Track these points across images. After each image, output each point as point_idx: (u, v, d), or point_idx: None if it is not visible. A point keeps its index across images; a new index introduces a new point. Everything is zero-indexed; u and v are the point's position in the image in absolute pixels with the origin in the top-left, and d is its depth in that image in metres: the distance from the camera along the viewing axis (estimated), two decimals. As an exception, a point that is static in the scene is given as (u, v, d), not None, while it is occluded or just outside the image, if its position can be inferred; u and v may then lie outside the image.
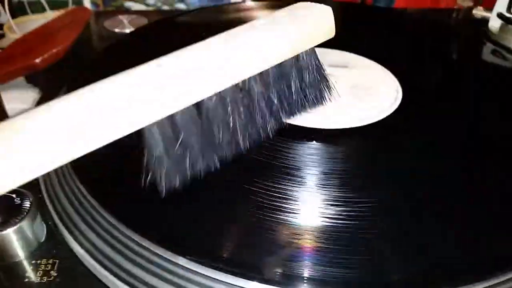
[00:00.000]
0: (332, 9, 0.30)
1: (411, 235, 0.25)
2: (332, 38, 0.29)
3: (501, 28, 0.51)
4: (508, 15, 0.50)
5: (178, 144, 0.24)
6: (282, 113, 0.30)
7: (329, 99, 0.33)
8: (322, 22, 0.29)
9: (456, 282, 0.22)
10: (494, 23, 0.52)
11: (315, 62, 0.30)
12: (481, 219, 0.26)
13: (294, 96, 0.30)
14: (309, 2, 0.30)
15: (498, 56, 0.47)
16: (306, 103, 0.31)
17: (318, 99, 0.32)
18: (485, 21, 0.54)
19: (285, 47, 0.27)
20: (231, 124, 0.26)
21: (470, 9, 0.59)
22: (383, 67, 0.41)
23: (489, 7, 0.55)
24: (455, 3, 0.69)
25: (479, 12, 0.55)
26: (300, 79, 0.29)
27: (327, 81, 0.32)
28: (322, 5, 0.29)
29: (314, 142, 0.32)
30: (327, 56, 0.43)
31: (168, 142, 0.24)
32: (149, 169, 0.24)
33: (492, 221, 0.26)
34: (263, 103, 0.28)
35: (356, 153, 0.32)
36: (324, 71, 0.32)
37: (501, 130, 0.34)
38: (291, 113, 0.31)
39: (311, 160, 0.30)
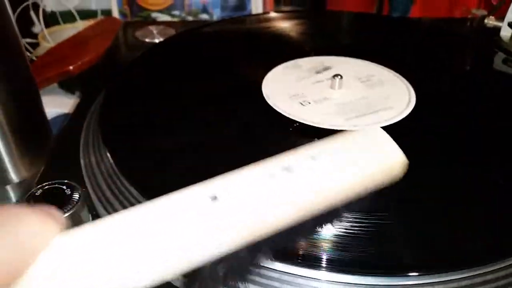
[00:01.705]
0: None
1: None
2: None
3: (512, 37, 0.53)
4: (519, 24, 0.52)
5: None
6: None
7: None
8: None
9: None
10: (506, 32, 0.54)
11: None
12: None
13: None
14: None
15: (509, 65, 0.49)
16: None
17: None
18: (498, 30, 0.56)
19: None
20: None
21: (484, 18, 0.61)
22: (397, 74, 0.44)
23: (503, 16, 0.57)
24: (470, 13, 0.71)
25: (491, 21, 0.57)
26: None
27: None
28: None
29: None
30: (344, 64, 0.46)
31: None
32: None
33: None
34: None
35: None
36: None
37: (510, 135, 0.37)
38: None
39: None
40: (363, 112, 0.38)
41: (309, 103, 0.39)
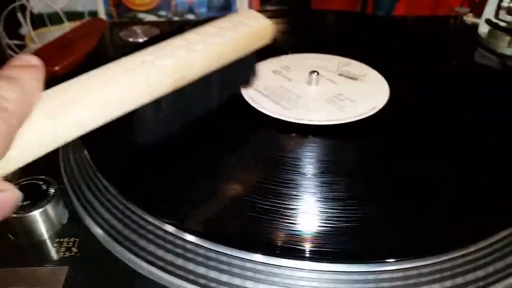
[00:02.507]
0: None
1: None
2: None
3: (489, 33, 0.54)
4: (495, 20, 0.53)
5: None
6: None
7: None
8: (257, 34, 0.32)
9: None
10: (483, 29, 0.55)
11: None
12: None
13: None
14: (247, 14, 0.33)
15: (486, 59, 0.50)
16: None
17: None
18: (476, 27, 0.57)
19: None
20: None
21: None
22: (375, 71, 0.45)
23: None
24: (453, 11, 0.71)
25: (469, 18, 0.58)
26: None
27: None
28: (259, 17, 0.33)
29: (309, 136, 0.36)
30: (327, 61, 0.46)
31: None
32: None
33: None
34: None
35: (344, 144, 0.36)
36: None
37: (485, 128, 0.38)
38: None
39: (309, 152, 0.34)
40: (279, 97, 0.40)
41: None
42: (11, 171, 0.21)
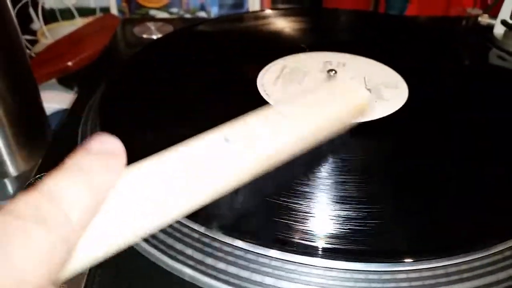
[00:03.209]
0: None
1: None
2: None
3: (505, 34, 0.54)
4: (511, 22, 0.53)
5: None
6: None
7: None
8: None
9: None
10: (499, 30, 0.55)
11: None
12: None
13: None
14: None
15: (502, 61, 0.50)
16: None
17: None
18: (491, 28, 0.57)
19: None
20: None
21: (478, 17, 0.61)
22: (392, 70, 0.45)
23: (496, 15, 0.58)
24: (465, 12, 0.71)
25: (484, 19, 0.57)
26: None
27: None
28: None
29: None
30: (382, 74, 0.45)
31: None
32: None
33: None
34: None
35: (364, 142, 0.35)
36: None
37: (501, 130, 0.37)
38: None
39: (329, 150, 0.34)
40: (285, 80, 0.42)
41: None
42: (69, 277, 0.16)
